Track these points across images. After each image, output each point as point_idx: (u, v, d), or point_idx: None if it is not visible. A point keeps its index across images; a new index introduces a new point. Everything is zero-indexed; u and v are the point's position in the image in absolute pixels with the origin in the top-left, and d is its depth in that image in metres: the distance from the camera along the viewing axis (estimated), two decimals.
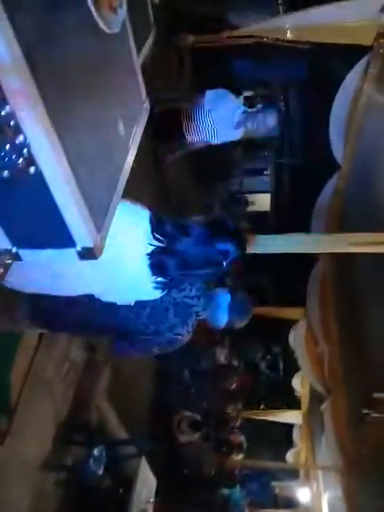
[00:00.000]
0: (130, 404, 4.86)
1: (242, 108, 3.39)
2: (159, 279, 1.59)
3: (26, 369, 2.85)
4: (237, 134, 3.45)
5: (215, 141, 3.49)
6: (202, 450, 6.47)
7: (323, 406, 4.90)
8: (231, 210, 11.63)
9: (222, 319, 1.89)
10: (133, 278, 1.59)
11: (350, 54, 3.60)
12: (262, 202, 12.06)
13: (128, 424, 4.50)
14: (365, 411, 3.69)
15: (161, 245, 1.54)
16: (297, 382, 6.39)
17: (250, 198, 11.77)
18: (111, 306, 1.68)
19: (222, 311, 1.88)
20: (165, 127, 3.51)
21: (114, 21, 1.15)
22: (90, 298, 1.64)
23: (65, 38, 1.05)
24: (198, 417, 6.28)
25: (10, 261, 1.15)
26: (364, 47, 3.38)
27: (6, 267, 1.41)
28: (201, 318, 1.90)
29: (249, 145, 6.56)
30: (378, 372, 3.86)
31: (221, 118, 3.41)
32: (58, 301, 1.66)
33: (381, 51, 3.22)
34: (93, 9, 1.03)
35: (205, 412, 6.55)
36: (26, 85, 0.86)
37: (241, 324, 1.95)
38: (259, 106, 3.40)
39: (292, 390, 6.96)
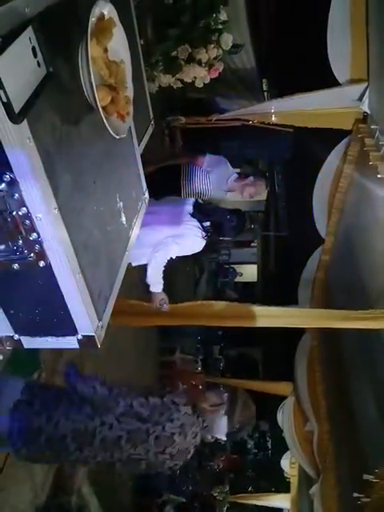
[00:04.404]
0: (113, 486, 4.58)
1: (235, 175, 3.69)
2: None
3: None
4: (225, 196, 3.70)
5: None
6: None
7: (312, 490, 4.61)
8: (219, 280, 11.70)
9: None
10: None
11: (330, 136, 3.83)
12: (250, 272, 12.22)
13: (109, 508, 4.23)
14: (356, 495, 3.48)
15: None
16: (285, 463, 6.05)
17: (238, 268, 11.90)
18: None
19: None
20: (161, 182, 3.63)
21: (121, 128, 1.22)
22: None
23: (78, 146, 1.13)
24: (183, 499, 5.89)
25: (10, 348, 1.19)
26: (343, 130, 3.60)
27: (6, 354, 1.42)
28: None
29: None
30: (368, 452, 3.71)
31: (215, 181, 3.62)
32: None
33: (359, 136, 3.41)
34: (103, 117, 1.09)
35: (190, 495, 6.14)
36: (43, 191, 0.93)
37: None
38: (250, 177, 3.70)
39: (281, 470, 6.58)
